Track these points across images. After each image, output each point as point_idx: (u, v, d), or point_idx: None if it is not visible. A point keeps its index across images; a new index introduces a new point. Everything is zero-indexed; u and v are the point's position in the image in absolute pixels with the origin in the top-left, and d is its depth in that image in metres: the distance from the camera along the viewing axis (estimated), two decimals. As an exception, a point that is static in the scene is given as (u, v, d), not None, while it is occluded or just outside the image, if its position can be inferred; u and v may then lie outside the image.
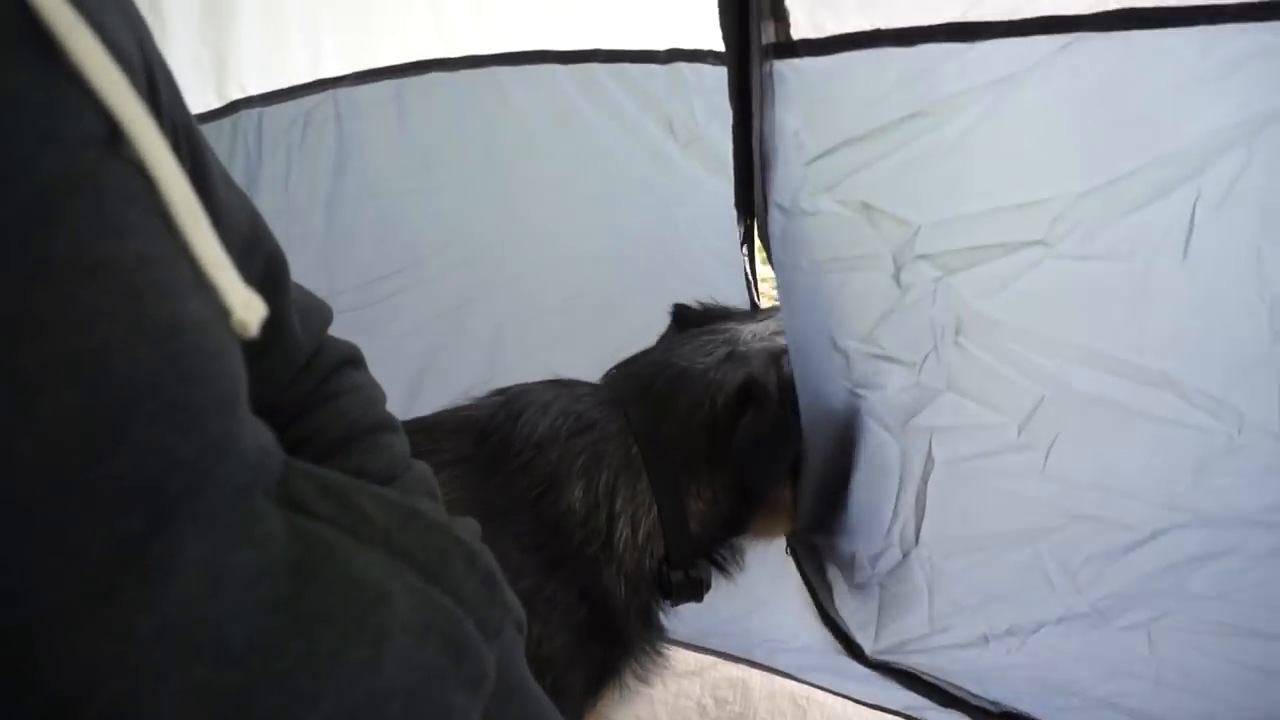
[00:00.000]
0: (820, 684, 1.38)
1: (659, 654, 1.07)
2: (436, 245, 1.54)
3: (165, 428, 0.33)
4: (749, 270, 1.22)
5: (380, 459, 0.54)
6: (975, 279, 0.84)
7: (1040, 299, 0.82)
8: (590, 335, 1.40)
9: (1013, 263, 0.82)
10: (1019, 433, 0.87)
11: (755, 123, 0.91)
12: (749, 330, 1.08)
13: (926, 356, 0.90)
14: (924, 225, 0.85)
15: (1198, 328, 0.76)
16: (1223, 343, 0.76)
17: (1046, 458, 0.87)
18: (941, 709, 1.14)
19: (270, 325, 0.39)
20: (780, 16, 0.86)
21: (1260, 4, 0.67)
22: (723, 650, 1.48)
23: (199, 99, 1.51)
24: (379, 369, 0.61)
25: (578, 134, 1.38)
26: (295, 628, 0.38)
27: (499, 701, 0.49)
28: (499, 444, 0.99)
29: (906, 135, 0.83)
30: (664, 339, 1.18)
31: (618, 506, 0.97)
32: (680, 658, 1.44)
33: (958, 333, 0.87)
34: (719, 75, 0.95)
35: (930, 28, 0.79)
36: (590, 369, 1.12)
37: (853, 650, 1.19)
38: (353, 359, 0.59)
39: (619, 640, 1.01)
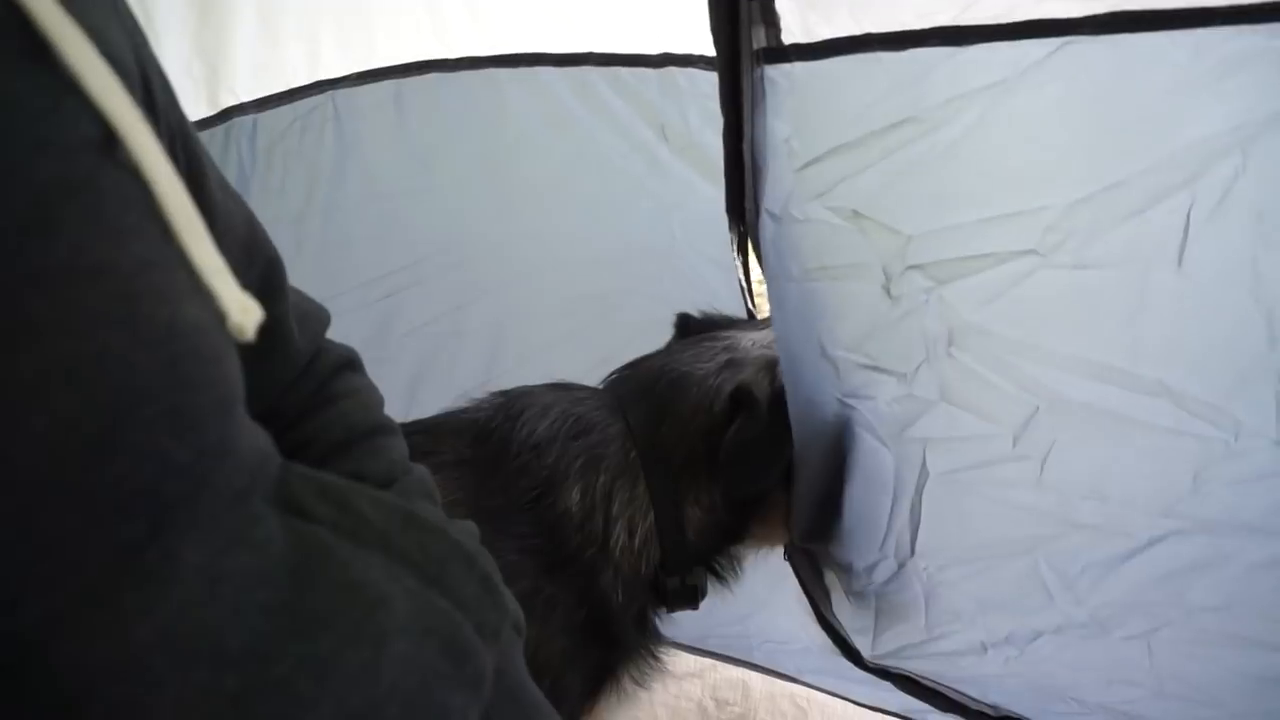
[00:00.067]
0: (821, 686, 1.38)
1: (657, 659, 1.07)
2: (435, 247, 1.54)
3: (163, 433, 0.33)
4: (743, 278, 1.22)
5: (379, 462, 0.54)
6: (968, 289, 0.83)
7: (1034, 309, 0.81)
8: (588, 338, 1.40)
9: (1006, 272, 0.81)
10: (1014, 443, 0.87)
11: (746, 128, 0.91)
12: (749, 338, 1.08)
13: (919, 367, 0.89)
14: (915, 235, 0.85)
15: (1194, 335, 0.76)
16: (1219, 350, 0.75)
17: (1042, 468, 0.86)
18: (941, 713, 1.13)
19: (268, 329, 0.39)
20: (771, 21, 0.86)
21: (1252, 6, 0.66)
22: (723, 652, 1.48)
23: (192, 108, 1.51)
24: (377, 371, 0.61)
25: (574, 137, 1.38)
26: (294, 631, 0.38)
27: (498, 704, 0.49)
28: (498, 445, 0.99)
29: (897, 142, 0.82)
30: (667, 346, 1.18)
31: (615, 510, 0.97)
32: (680, 659, 1.44)
33: (950, 343, 0.86)
34: (711, 80, 0.95)
35: (921, 32, 0.78)
36: (588, 371, 1.12)
37: (851, 655, 1.19)
38: (351, 362, 0.59)
39: (617, 644, 1.01)
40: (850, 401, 0.96)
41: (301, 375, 0.54)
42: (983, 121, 0.78)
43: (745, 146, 0.92)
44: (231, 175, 1.56)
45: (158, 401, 0.33)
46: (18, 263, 0.30)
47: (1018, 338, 0.83)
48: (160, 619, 0.34)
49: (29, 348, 0.30)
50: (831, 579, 1.18)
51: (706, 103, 1.20)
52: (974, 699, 1.10)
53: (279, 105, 1.54)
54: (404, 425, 0.59)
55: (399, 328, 1.58)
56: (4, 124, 0.30)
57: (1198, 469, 0.79)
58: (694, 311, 1.20)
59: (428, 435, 1.00)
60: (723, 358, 1.04)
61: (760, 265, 1.01)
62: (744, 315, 1.24)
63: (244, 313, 0.36)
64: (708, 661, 1.49)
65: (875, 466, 0.98)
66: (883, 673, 1.16)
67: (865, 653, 1.17)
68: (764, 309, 1.23)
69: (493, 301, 1.53)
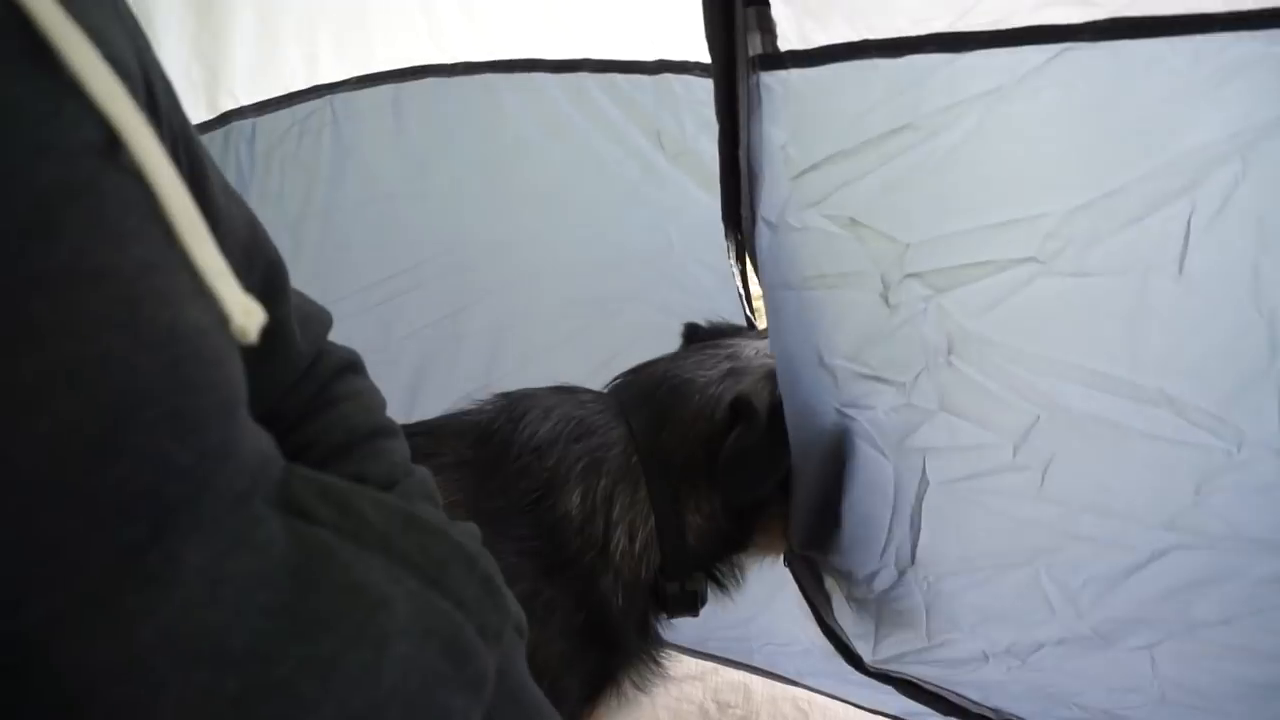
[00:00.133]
0: (822, 689, 1.38)
1: (659, 664, 1.06)
2: (434, 250, 1.55)
3: (165, 435, 0.33)
4: (741, 285, 1.22)
5: (380, 464, 0.54)
6: (967, 297, 0.83)
7: (1034, 317, 0.81)
8: (587, 341, 1.41)
9: (1005, 280, 0.80)
10: (1014, 453, 0.86)
11: (742, 135, 0.90)
12: (753, 347, 1.08)
13: (918, 376, 0.89)
14: (913, 242, 0.84)
15: (1195, 344, 0.75)
16: (1221, 358, 0.74)
17: (1043, 478, 0.85)
18: (942, 717, 1.13)
19: (270, 332, 0.39)
20: (767, 28, 0.84)
21: (1251, 13, 0.65)
22: (724, 655, 1.48)
23: (190, 112, 1.50)
24: (378, 373, 0.61)
25: (570, 143, 1.39)
26: (296, 633, 0.38)
27: (499, 705, 0.49)
28: (499, 447, 0.98)
29: (894, 149, 0.81)
30: (672, 354, 1.17)
31: (615, 514, 0.97)
32: (682, 662, 1.44)
33: (950, 352, 0.86)
34: (707, 87, 0.94)
35: (918, 38, 0.77)
36: (588, 375, 1.12)
37: (852, 659, 1.18)
38: (352, 364, 0.59)
39: (617, 648, 1.01)
40: (849, 411, 0.95)
41: (303, 377, 0.55)
42: (981, 128, 0.77)
43: (741, 153, 0.91)
44: (230, 179, 1.55)
45: (159, 404, 0.33)
46: (19, 266, 0.30)
47: (1017, 346, 0.82)
48: (162, 620, 0.34)
49: (31, 351, 0.30)
50: (832, 584, 1.17)
51: (702, 109, 1.20)
52: (975, 703, 1.09)
53: (278, 109, 1.54)
54: (406, 426, 0.59)
55: (399, 330, 1.58)
56: (5, 128, 0.30)
57: (1200, 480, 0.77)
58: (701, 321, 1.20)
59: (430, 437, 0.99)
60: (725, 366, 1.04)
61: (756, 273, 1.01)
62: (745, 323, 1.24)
63: (246, 315, 0.36)
64: (709, 664, 1.49)
65: (875, 476, 0.97)
66: (884, 677, 1.16)
67: (866, 658, 1.16)
68: (762, 317, 1.24)
69: (492, 304, 1.53)
